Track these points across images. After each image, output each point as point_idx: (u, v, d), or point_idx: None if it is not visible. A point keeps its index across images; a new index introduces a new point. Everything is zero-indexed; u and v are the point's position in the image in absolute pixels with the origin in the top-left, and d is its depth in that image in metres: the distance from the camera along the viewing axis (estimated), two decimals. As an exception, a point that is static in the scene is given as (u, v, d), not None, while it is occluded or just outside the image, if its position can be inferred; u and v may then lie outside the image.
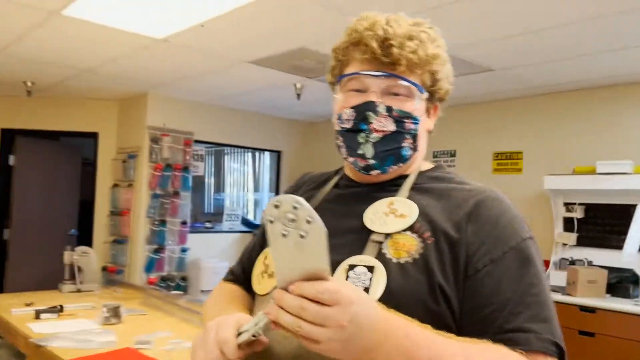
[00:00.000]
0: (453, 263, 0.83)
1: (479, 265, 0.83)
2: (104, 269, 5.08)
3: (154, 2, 2.82)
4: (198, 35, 3.28)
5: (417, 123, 0.94)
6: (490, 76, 3.93)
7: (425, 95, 0.95)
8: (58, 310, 3.14)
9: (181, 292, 3.85)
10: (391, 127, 0.92)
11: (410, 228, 0.87)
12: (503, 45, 3.26)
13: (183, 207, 5.18)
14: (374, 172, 0.95)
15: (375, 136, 0.92)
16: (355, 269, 0.85)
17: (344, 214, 0.95)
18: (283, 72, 4.02)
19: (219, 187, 7.15)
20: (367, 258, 0.86)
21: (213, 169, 7.07)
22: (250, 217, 6.80)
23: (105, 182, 5.43)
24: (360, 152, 0.93)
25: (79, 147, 6.36)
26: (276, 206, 0.69)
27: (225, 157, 7.12)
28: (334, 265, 0.85)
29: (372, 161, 0.93)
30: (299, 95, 4.37)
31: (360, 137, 0.92)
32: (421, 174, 0.98)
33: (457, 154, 4.96)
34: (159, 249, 4.97)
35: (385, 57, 0.89)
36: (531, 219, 4.36)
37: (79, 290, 3.92)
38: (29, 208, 5.67)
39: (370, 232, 0.89)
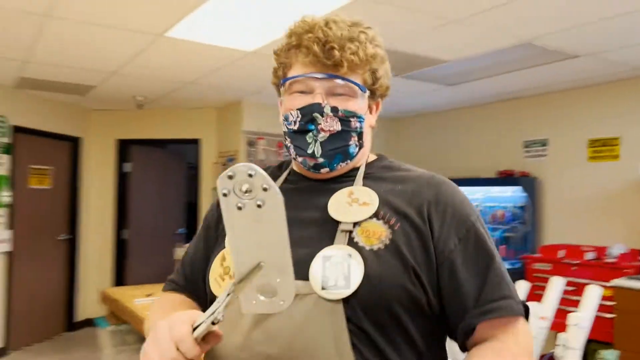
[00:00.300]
0: (422, 247, 0.90)
1: (450, 246, 0.90)
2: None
3: (242, 20, 3.09)
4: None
5: (362, 121, 0.98)
6: (579, 62, 3.83)
7: (367, 93, 0.99)
8: (173, 300, 3.51)
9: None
10: (337, 126, 0.95)
11: (376, 215, 0.92)
12: (590, 30, 3.18)
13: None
14: (324, 170, 0.98)
15: (322, 136, 0.95)
16: (332, 258, 0.87)
17: (302, 206, 0.97)
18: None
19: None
20: (342, 247, 0.89)
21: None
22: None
23: (207, 184, 5.88)
24: (309, 151, 0.96)
25: (184, 153, 6.93)
26: (230, 177, 0.67)
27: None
28: (306, 258, 0.87)
29: (321, 159, 0.96)
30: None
31: (309, 137, 0.95)
32: (369, 164, 1.04)
33: (549, 143, 4.84)
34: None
35: (327, 59, 0.92)
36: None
37: (189, 283, 4.33)
38: (144, 210, 6.28)
39: (336, 222, 0.92)
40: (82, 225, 5.98)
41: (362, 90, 0.97)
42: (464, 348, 0.91)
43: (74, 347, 5.27)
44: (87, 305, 6.06)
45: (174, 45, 3.58)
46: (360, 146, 1.00)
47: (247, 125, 5.42)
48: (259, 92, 5.00)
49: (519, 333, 0.88)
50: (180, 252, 4.36)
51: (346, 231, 0.90)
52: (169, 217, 6.55)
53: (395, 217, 0.91)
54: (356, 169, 1.01)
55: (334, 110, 0.94)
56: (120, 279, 6.07)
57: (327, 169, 0.97)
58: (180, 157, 6.86)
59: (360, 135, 0.99)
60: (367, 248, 0.89)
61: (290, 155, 1.01)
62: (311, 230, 0.92)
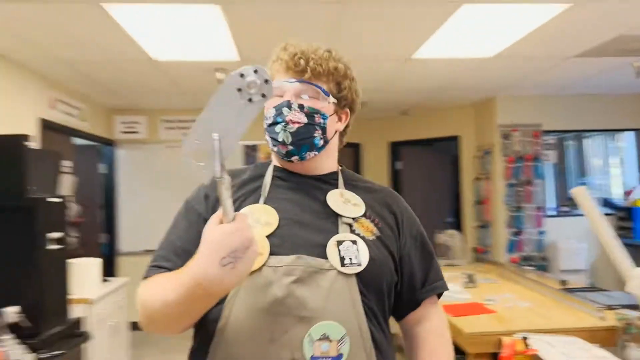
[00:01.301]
0: (395, 242, 1.17)
1: (408, 242, 1.21)
2: (474, 249, 6.05)
3: (476, 33, 3.58)
4: (526, 45, 3.86)
5: (325, 118, 1.15)
6: None
7: (332, 99, 1.17)
8: (432, 276, 4.20)
9: (531, 268, 4.41)
10: (303, 119, 1.12)
11: (364, 214, 1.16)
12: None
13: (537, 194, 5.68)
14: (294, 158, 1.16)
15: (291, 127, 1.12)
16: (343, 243, 1.07)
17: (306, 196, 1.16)
18: (612, 57, 4.15)
19: (582, 172, 7.21)
20: (347, 235, 1.09)
21: (572, 155, 7.20)
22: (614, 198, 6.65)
23: (468, 176, 6.40)
24: (280, 139, 1.12)
25: (448, 149, 7.56)
26: (242, 75, 0.87)
27: (584, 141, 7.14)
28: (323, 242, 1.07)
29: (290, 147, 1.13)
30: (638, 74, 4.35)
31: (278, 128, 1.12)
32: (342, 172, 1.27)
33: None
34: (518, 232, 5.61)
35: (295, 67, 1.13)
36: None
37: (450, 264, 4.97)
38: (415, 201, 7.06)
39: (335, 215, 1.13)
40: (365, 216, 7.18)
41: (325, 94, 1.16)
42: (401, 318, 1.25)
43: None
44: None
45: (421, 64, 4.26)
46: (325, 140, 1.18)
47: (502, 119, 5.75)
48: (511, 86, 5.30)
49: (439, 309, 1.27)
50: (441, 237, 5.04)
51: (347, 224, 1.12)
52: (437, 207, 7.27)
53: (377, 217, 1.18)
54: (334, 174, 1.24)
55: (300, 106, 1.13)
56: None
57: (297, 157, 1.16)
58: (446, 153, 7.51)
59: (324, 130, 1.16)
60: (367, 238, 1.12)
61: (269, 147, 1.19)
62: (320, 219, 1.12)
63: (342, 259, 1.05)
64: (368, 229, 1.14)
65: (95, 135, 5.48)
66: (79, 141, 5.58)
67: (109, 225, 6.00)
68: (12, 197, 2.32)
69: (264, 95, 0.87)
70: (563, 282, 3.71)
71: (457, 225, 6.63)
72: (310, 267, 1.03)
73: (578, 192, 2.70)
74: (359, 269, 1.06)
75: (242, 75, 0.86)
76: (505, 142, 5.73)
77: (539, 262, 5.60)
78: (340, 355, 0.99)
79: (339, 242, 1.07)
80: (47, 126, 4.34)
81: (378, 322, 1.10)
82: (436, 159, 7.35)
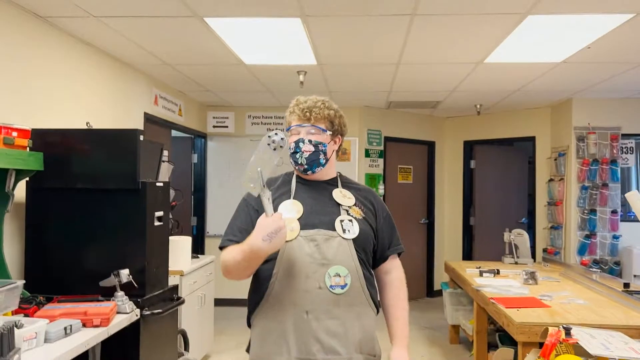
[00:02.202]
0: (374, 220, 1.85)
1: (381, 220, 1.87)
2: (545, 250, 6.07)
3: (544, 40, 3.71)
4: (595, 51, 3.93)
5: (325, 146, 1.82)
6: None
7: (328, 132, 1.83)
8: (495, 272, 4.39)
9: (598, 271, 4.45)
10: (312, 149, 1.79)
11: (355, 204, 1.84)
12: None
13: (613, 197, 5.62)
14: (309, 172, 1.83)
15: (305, 154, 1.79)
16: (344, 221, 1.76)
17: (319, 194, 1.83)
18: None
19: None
20: (346, 216, 1.79)
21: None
22: None
23: (542, 177, 6.41)
24: (299, 162, 1.80)
25: (525, 149, 7.55)
26: (269, 137, 1.60)
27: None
28: (331, 220, 1.75)
29: (305, 166, 1.80)
30: None
31: (297, 155, 1.79)
32: (340, 176, 1.93)
33: None
34: (590, 235, 5.59)
35: (304, 116, 1.81)
36: None
37: (516, 263, 5.09)
38: (487, 200, 7.24)
39: (337, 204, 1.81)
40: (437, 212, 7.37)
41: (323, 131, 1.83)
42: (375, 268, 1.89)
43: (430, 309, 6.68)
44: (443, 277, 7.41)
45: (494, 67, 4.43)
46: (326, 159, 1.84)
47: (577, 122, 5.73)
48: (588, 88, 5.30)
49: (398, 264, 1.92)
50: (508, 235, 5.16)
51: (345, 210, 1.82)
52: (511, 207, 7.31)
53: (363, 206, 1.86)
54: (334, 179, 1.91)
55: (309, 141, 1.80)
56: (468, 256, 7.21)
57: (310, 172, 1.83)
58: (522, 153, 7.51)
59: (325, 153, 1.82)
60: (358, 218, 1.81)
61: (293, 167, 1.86)
62: (328, 207, 1.81)
63: (343, 231, 1.75)
64: (358, 212, 1.82)
65: (189, 128, 6.09)
66: (175, 133, 6.22)
67: (199, 209, 6.62)
68: (127, 181, 2.82)
69: (281, 147, 1.61)
70: (626, 285, 3.78)
71: (529, 226, 6.67)
72: (325, 235, 1.73)
73: (631, 196, 2.82)
74: (354, 236, 1.75)
75: (269, 137, 1.60)
76: (580, 145, 5.71)
77: (611, 266, 5.56)
78: (346, 284, 1.71)
79: (341, 221, 1.77)
80: (150, 119, 4.95)
81: (366, 267, 1.79)
82: (510, 159, 7.38)
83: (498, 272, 4.42)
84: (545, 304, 3.31)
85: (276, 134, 1.61)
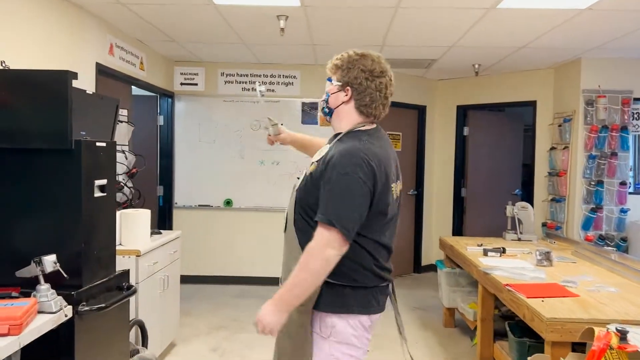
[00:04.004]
0: (319, 180, 1.72)
1: (322, 184, 1.71)
2: (544, 224, 5.60)
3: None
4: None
5: (327, 96, 1.89)
6: None
7: (336, 83, 1.85)
8: (501, 251, 3.87)
9: (611, 249, 3.99)
10: (323, 98, 1.92)
11: (319, 160, 1.78)
12: None
13: (622, 168, 5.14)
14: (328, 120, 1.94)
15: (321, 104, 1.96)
16: (301, 174, 1.88)
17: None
18: None
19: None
20: (304, 171, 1.86)
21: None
22: None
23: (543, 145, 5.89)
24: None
25: (520, 115, 7.02)
26: (269, 119, 2.27)
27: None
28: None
29: (321, 114, 2.24)
30: None
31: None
32: (346, 133, 1.81)
33: None
34: (596, 209, 5.12)
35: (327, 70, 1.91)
36: None
37: (519, 239, 4.59)
38: (480, 170, 6.72)
39: None
40: (426, 183, 6.83)
41: (329, 81, 1.89)
42: None
43: (418, 286, 6.20)
44: (431, 252, 6.94)
45: (506, 15, 3.81)
46: (330, 109, 1.88)
47: (586, 84, 5.19)
48: (600, 47, 4.74)
49: (317, 233, 1.67)
50: (511, 209, 4.65)
51: (311, 163, 1.85)
52: (504, 178, 6.81)
53: (322, 163, 1.75)
54: (340, 134, 1.84)
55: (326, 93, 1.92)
56: (458, 230, 6.72)
57: (327, 120, 1.94)
58: (517, 120, 6.98)
59: (327, 102, 1.89)
60: (308, 172, 1.82)
61: None
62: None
63: (298, 181, 1.87)
64: (312, 168, 1.80)
65: (154, 85, 5.36)
66: (137, 91, 5.49)
67: (166, 178, 5.95)
68: (55, 138, 2.16)
69: (274, 125, 2.23)
70: (653, 267, 3.29)
71: (526, 198, 6.18)
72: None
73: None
74: (297, 188, 1.85)
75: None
76: (589, 109, 5.18)
77: (617, 242, 5.11)
78: (286, 228, 1.85)
79: (304, 173, 1.86)
80: (104, 72, 4.23)
81: (304, 219, 1.79)
82: (507, 126, 6.85)
83: (504, 250, 3.90)
84: (573, 292, 2.79)
85: (260, 84, 2.34)
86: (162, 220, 5.95)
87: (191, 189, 5.98)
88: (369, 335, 1.84)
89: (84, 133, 3.68)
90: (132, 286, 2.58)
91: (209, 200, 5.98)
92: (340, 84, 1.82)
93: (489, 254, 3.81)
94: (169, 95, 5.85)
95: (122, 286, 2.55)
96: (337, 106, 1.84)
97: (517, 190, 6.85)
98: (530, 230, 4.62)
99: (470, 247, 4.09)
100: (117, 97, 4.59)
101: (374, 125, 1.86)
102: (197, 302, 5.29)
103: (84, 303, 2.18)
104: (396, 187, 1.84)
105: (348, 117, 1.83)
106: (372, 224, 1.76)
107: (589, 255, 3.83)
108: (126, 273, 2.62)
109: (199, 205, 5.98)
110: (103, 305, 2.24)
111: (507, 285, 2.91)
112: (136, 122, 5.34)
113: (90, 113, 3.73)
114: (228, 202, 5.97)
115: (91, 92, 3.62)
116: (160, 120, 5.91)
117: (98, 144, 2.35)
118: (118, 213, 3.37)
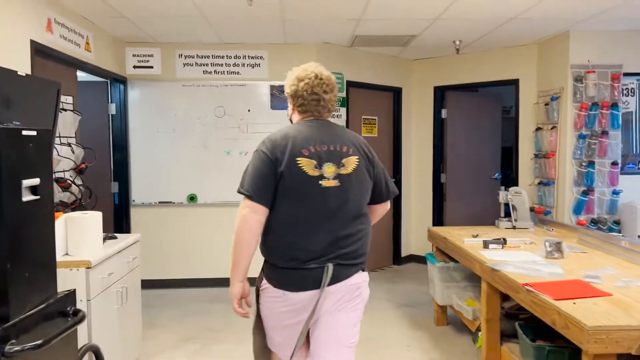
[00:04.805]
0: None
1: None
2: (531, 209, 5.29)
3: None
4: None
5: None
6: None
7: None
8: (502, 242, 3.49)
9: (620, 235, 3.70)
10: None
11: None
12: None
13: (613, 147, 4.86)
14: None
15: None
16: None
17: None
18: None
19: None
20: None
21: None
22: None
23: (527, 126, 5.58)
24: None
25: (499, 96, 6.71)
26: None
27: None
28: None
29: None
30: None
31: None
32: None
33: None
34: (587, 191, 4.83)
35: None
36: None
37: (514, 227, 4.24)
38: (460, 155, 6.38)
39: None
40: (404, 169, 6.44)
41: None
42: None
43: (401, 280, 5.82)
44: (411, 242, 6.57)
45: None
46: (290, 119, 2.28)
47: (575, 59, 4.87)
48: (592, 17, 4.42)
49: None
50: (505, 194, 4.29)
51: None
52: (484, 162, 6.50)
53: None
54: None
55: None
56: (439, 219, 6.37)
57: None
58: (496, 101, 6.67)
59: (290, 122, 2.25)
60: None
61: None
62: None
63: None
64: None
65: (103, 68, 4.75)
66: (84, 77, 4.87)
67: (121, 173, 5.35)
68: (-37, 125, 1.62)
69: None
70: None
71: (508, 184, 5.85)
72: None
73: None
74: None
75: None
76: (578, 86, 4.87)
77: (610, 225, 4.85)
78: None
79: None
80: (42, 52, 3.62)
81: None
82: (485, 107, 6.52)
83: (505, 241, 3.53)
84: (602, 291, 2.43)
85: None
86: (119, 221, 5.36)
87: (150, 184, 5.40)
88: (285, 304, 2.03)
89: (17, 123, 3.10)
90: (80, 311, 2.05)
91: (170, 197, 5.42)
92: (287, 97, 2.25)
93: (490, 246, 3.43)
94: (121, 80, 5.24)
95: (66, 311, 2.02)
96: (290, 115, 2.27)
97: (497, 175, 6.56)
98: (526, 217, 4.29)
99: (467, 240, 3.70)
100: (61, 81, 3.99)
101: (310, 119, 2.17)
102: (162, 310, 4.75)
103: (14, 341, 1.66)
104: (313, 165, 2.00)
105: (294, 118, 2.23)
106: (282, 202, 2.00)
107: (596, 242, 3.50)
108: (71, 294, 2.09)
109: (160, 202, 5.41)
110: (40, 342, 1.71)
111: (526, 285, 2.52)
112: (85, 111, 4.73)
113: (25, 99, 3.14)
114: (192, 198, 5.43)
115: (24, 74, 3.03)
116: (112, 108, 5.29)
117: (25, 132, 1.81)
118: (62, 217, 2.82)
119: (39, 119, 3.33)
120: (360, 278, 2.09)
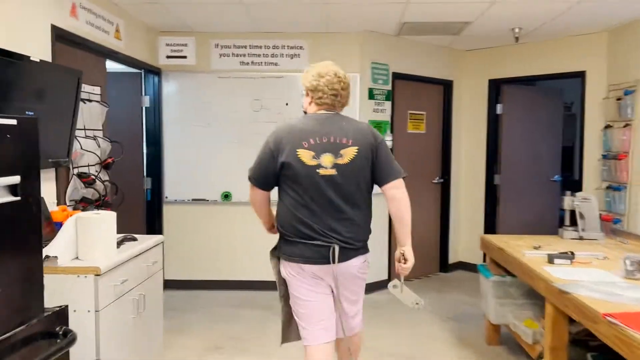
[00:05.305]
0: None
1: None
2: (598, 217, 4.73)
3: None
4: None
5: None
6: None
7: (303, 92, 2.52)
8: (570, 257, 3.02)
9: None
10: None
11: None
12: None
13: (697, 148, 4.26)
14: None
15: None
16: None
17: None
18: None
19: None
20: None
21: None
22: None
23: (594, 124, 5.01)
24: None
25: (559, 91, 6.13)
26: None
27: None
28: None
29: None
30: None
31: None
32: None
33: None
34: (666, 198, 4.25)
35: None
36: None
37: (581, 238, 3.74)
38: (516, 155, 5.85)
39: None
40: (454, 169, 5.97)
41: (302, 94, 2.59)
42: None
43: (447, 289, 5.36)
44: (460, 248, 6.09)
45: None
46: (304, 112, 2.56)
47: (654, 48, 4.29)
48: (676, 0, 3.84)
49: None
50: (570, 200, 3.80)
51: None
52: (543, 163, 5.95)
53: None
54: None
55: None
56: (491, 224, 5.87)
57: None
58: (556, 96, 6.10)
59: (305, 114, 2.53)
60: None
61: None
62: None
63: None
64: None
65: (134, 58, 4.52)
66: (118, 68, 4.66)
67: (154, 168, 5.12)
68: None
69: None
70: None
71: (569, 187, 5.29)
72: None
73: None
74: None
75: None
76: (658, 79, 4.29)
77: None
78: None
79: None
80: (65, 38, 3.38)
81: None
82: (546, 102, 5.96)
83: (573, 255, 3.05)
84: None
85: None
86: (151, 218, 5.14)
87: (184, 180, 5.15)
88: (296, 275, 2.38)
89: (31, 113, 2.86)
90: (70, 332, 1.74)
91: (204, 194, 5.16)
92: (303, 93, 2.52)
93: (556, 261, 2.96)
94: (155, 71, 5.00)
95: (54, 332, 1.73)
96: (306, 107, 2.51)
97: (556, 177, 6.00)
98: (595, 227, 3.77)
99: (528, 252, 3.24)
100: (91, 73, 3.76)
101: (322, 111, 2.45)
102: (188, 314, 4.48)
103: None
104: (311, 155, 2.30)
105: (310, 109, 2.49)
106: (287, 186, 2.36)
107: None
108: (62, 311, 1.79)
109: (193, 200, 5.16)
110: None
111: (608, 315, 2.06)
112: (117, 103, 4.53)
113: (40, 88, 2.90)
114: (226, 196, 5.15)
115: (38, 60, 2.78)
116: (146, 101, 5.06)
117: (2, 121, 1.51)
118: (73, 218, 2.56)
119: (57, 109, 3.09)
120: (360, 261, 2.40)
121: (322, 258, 2.29)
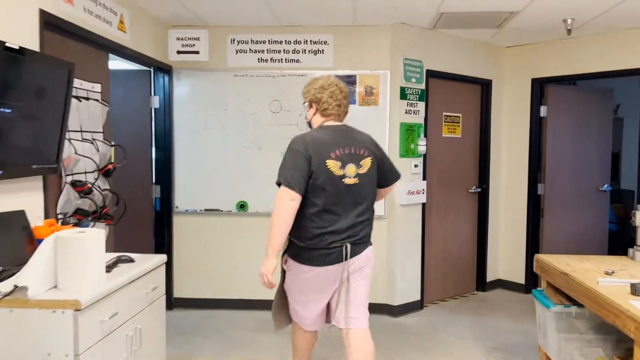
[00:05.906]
0: None
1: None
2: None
3: None
4: None
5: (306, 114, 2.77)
6: None
7: (306, 104, 2.74)
8: (659, 287, 2.45)
9: None
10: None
11: None
12: None
13: None
14: None
15: None
16: None
17: None
18: None
19: None
20: None
21: None
22: None
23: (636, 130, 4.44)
24: None
25: (610, 91, 5.55)
26: None
27: None
28: None
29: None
30: None
31: None
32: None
33: None
34: None
35: None
36: None
37: (656, 261, 3.16)
38: (561, 162, 5.28)
39: None
40: (493, 178, 5.41)
41: (304, 104, 2.76)
42: None
43: (486, 310, 4.79)
44: (499, 265, 5.52)
45: None
46: (308, 123, 2.77)
47: None
48: None
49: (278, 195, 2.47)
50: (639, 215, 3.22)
51: None
52: (591, 171, 5.37)
53: None
54: None
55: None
56: (534, 238, 5.29)
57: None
58: (606, 97, 5.52)
59: (306, 117, 2.78)
60: None
61: None
62: None
63: None
64: None
65: (141, 53, 4.07)
66: (125, 65, 4.23)
67: (164, 175, 4.66)
68: None
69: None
70: None
71: (615, 198, 4.71)
72: None
73: None
74: None
75: None
76: None
77: None
78: None
79: None
80: (56, 26, 2.94)
81: None
82: (596, 103, 5.38)
83: (660, 285, 2.48)
84: None
85: None
86: (160, 229, 4.68)
87: (196, 189, 4.68)
88: (315, 278, 2.59)
89: (8, 110, 2.41)
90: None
91: (218, 204, 4.68)
92: (307, 104, 2.73)
93: (642, 292, 2.40)
94: (165, 69, 4.55)
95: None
96: (310, 118, 2.74)
97: (606, 186, 5.42)
98: (671, 248, 3.19)
99: (601, 279, 2.68)
100: (86, 65, 3.32)
101: (330, 122, 2.66)
102: (200, 340, 3.99)
103: None
104: (338, 166, 2.51)
105: (315, 120, 2.70)
106: (314, 195, 2.50)
107: None
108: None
109: (206, 210, 4.68)
110: None
111: None
112: (125, 104, 4.12)
113: (19, 80, 2.45)
114: (242, 206, 4.66)
115: (16, 46, 2.33)
116: (155, 101, 4.61)
117: None
118: (51, 237, 2.09)
119: (41, 106, 2.63)
120: (370, 251, 2.67)
121: (338, 257, 2.52)
